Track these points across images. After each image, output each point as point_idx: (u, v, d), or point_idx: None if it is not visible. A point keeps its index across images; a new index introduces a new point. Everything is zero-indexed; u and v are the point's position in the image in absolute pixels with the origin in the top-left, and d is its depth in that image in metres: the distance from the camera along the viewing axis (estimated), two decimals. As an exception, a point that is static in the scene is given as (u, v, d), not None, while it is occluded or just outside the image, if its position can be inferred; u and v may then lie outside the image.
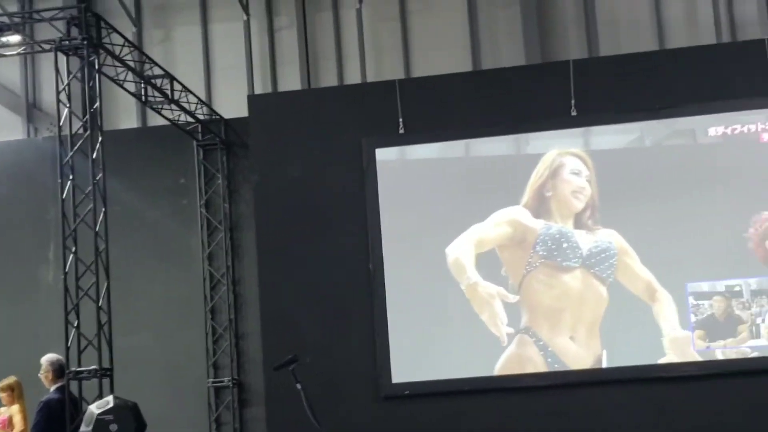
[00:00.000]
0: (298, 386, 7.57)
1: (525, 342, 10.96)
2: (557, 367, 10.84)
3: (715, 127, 10.98)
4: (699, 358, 10.70)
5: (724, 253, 10.78)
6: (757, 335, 10.67)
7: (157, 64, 11.85)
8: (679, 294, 10.79)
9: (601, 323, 10.87)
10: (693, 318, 10.77)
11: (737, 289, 10.76)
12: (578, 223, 11.05)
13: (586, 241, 11.00)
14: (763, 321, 10.69)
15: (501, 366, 10.95)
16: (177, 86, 12.23)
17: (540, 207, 11.10)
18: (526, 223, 11.12)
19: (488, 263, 11.12)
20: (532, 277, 11.04)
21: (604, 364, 10.79)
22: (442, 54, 13.69)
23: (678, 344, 10.75)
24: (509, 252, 11.13)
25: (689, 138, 11.08)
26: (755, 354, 10.63)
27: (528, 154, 11.26)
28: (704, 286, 10.80)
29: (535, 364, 10.90)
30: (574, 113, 11.17)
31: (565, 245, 11.00)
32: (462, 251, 11.16)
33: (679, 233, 10.87)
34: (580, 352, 10.88)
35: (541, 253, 11.03)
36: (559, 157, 11.18)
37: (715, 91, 11.02)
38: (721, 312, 10.74)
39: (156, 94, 11.99)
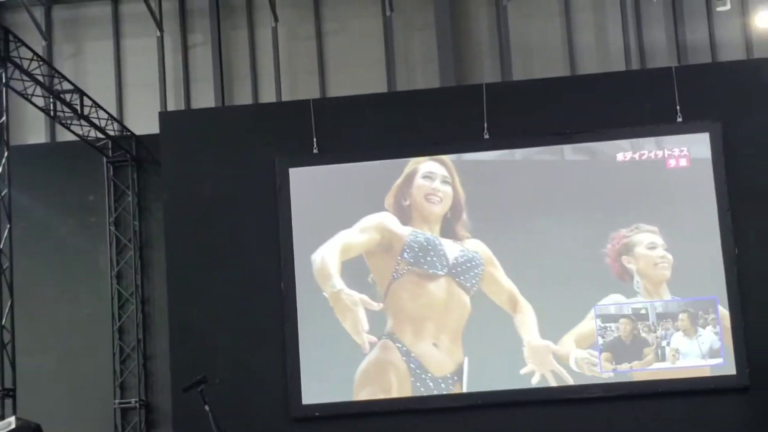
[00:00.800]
0: (207, 408, 7.50)
1: (388, 347, 11.04)
2: (419, 373, 10.93)
3: (624, 152, 11.20)
4: (558, 369, 10.86)
5: (583, 268, 11.00)
6: (663, 358, 10.86)
7: (66, 79, 11.68)
8: (541, 306, 10.97)
9: (464, 331, 11.00)
10: (600, 340, 10.92)
11: (643, 312, 10.95)
12: (446, 231, 11.16)
13: (453, 249, 11.12)
14: (668, 344, 10.88)
15: (362, 370, 11.01)
16: (87, 101, 12.06)
17: (403, 215, 11.20)
18: (393, 230, 11.20)
19: (356, 270, 11.16)
20: (399, 284, 11.11)
21: (465, 371, 10.90)
22: (357, 75, 13.71)
23: (537, 353, 10.94)
24: (377, 258, 11.20)
25: (557, 154, 11.27)
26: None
27: (402, 159, 11.33)
28: (611, 309, 10.97)
29: (397, 369, 10.99)
30: (486, 136, 11.29)
31: (431, 253, 11.10)
32: (327, 258, 11.18)
33: (543, 246, 11.06)
34: (442, 359, 10.99)
35: (408, 260, 11.11)
36: (415, 164, 11.31)
37: (624, 117, 11.24)
38: (627, 334, 10.92)
39: (65, 109, 11.80)
